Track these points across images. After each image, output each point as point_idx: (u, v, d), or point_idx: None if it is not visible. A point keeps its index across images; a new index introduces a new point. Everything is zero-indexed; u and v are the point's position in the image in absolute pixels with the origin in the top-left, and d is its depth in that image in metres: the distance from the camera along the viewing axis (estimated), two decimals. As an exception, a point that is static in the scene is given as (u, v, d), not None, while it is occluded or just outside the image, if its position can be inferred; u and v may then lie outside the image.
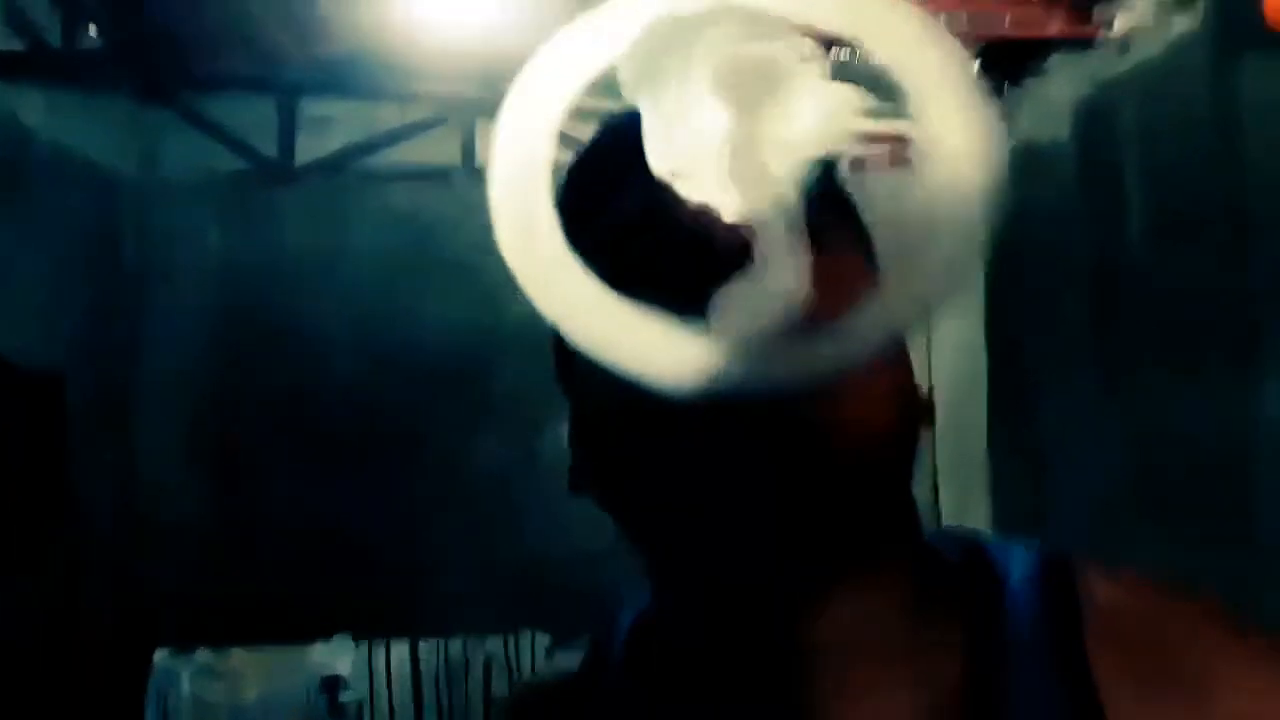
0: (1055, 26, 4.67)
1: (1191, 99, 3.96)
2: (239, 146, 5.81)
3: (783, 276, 0.65)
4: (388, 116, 6.01)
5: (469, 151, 6.11)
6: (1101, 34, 4.60)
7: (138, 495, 5.48)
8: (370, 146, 5.99)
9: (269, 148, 5.89)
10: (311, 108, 5.98)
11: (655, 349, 0.66)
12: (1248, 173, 3.67)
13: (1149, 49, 4.32)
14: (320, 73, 5.54)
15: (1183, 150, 4.10)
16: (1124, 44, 4.53)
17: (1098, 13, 4.57)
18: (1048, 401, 4.90)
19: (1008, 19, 4.67)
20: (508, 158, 0.73)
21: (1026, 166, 4.81)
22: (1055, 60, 5.04)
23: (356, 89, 5.77)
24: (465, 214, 5.99)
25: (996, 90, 5.07)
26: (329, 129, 5.99)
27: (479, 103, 5.76)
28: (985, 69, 4.68)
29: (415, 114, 5.98)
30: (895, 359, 0.77)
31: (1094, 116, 4.80)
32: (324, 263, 5.68)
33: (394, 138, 6.00)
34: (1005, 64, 4.99)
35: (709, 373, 0.65)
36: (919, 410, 0.82)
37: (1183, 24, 4.05)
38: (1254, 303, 3.65)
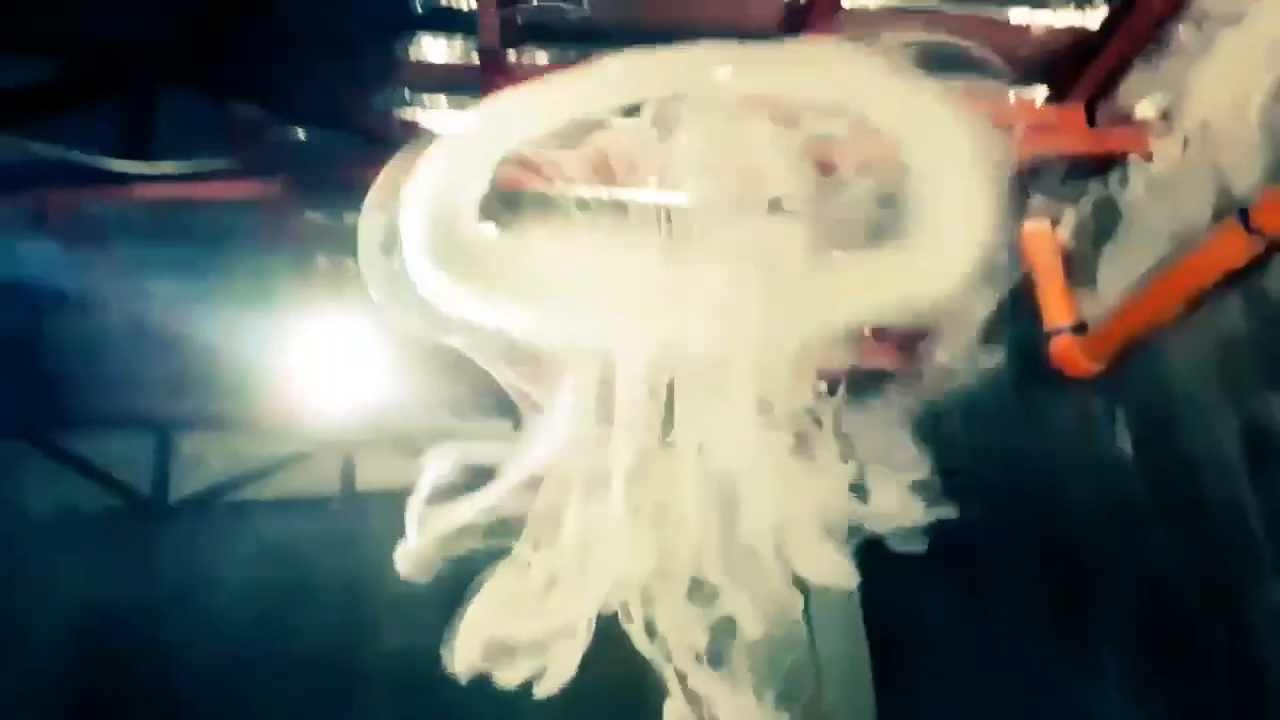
0: (886, 360, 5.14)
1: (1005, 418, 4.45)
2: (111, 484, 5.83)
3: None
4: (265, 449, 6.12)
5: (348, 480, 6.24)
6: (925, 366, 5.09)
7: None
8: (246, 479, 6.07)
9: (144, 484, 5.93)
10: (189, 443, 6.08)
11: None
12: (1054, 473, 4.17)
13: (966, 378, 4.78)
14: (198, 410, 5.68)
15: (1002, 457, 4.58)
16: (947, 373, 5.00)
17: (920, 348, 5.07)
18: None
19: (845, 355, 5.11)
20: None
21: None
22: (891, 385, 5.53)
23: (234, 424, 5.90)
24: (341, 543, 6.09)
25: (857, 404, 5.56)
26: (206, 463, 6.07)
27: (357, 433, 5.95)
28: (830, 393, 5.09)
29: (292, 446, 6.12)
30: None
31: (936, 421, 5.28)
32: (196, 600, 5.59)
33: (271, 469, 6.10)
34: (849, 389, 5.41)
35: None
36: None
37: (989, 360, 4.52)
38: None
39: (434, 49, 3.21)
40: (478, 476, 2.99)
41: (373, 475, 6.24)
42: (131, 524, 5.87)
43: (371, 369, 5.03)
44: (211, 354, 5.05)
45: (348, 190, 3.52)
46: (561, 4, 3.09)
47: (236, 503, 6.03)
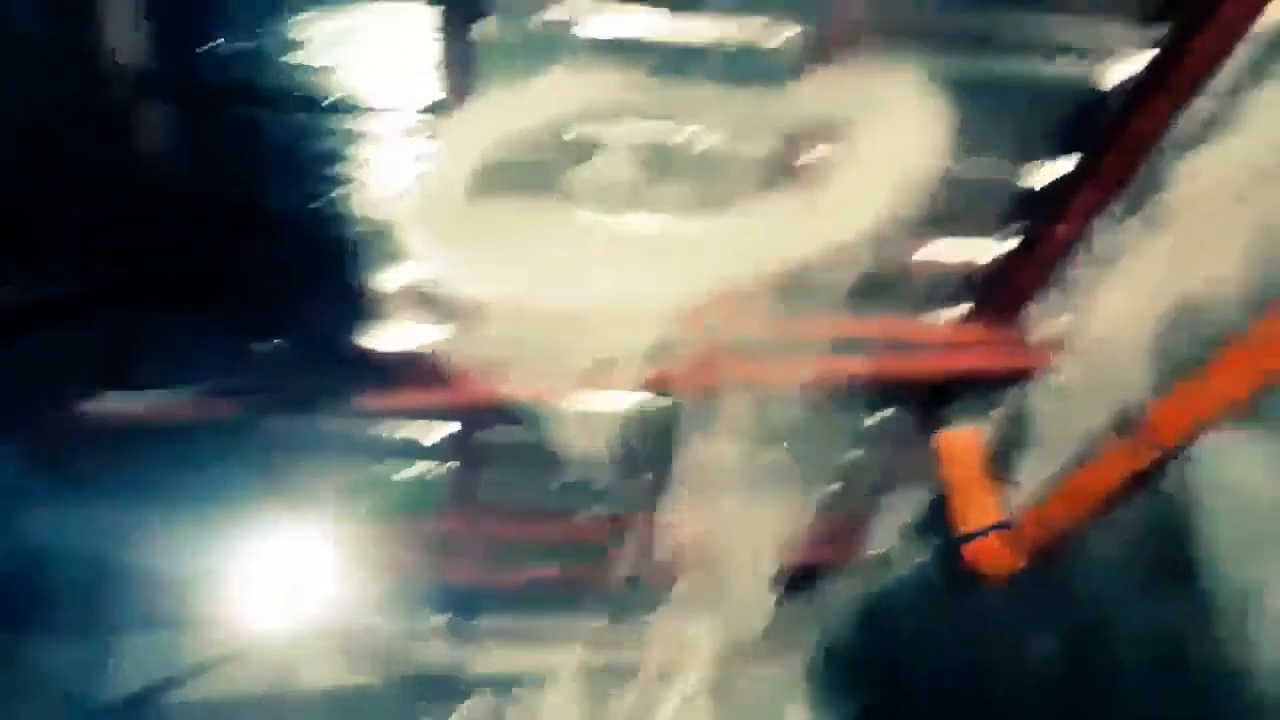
0: (820, 555, 5.39)
1: (934, 606, 4.70)
2: (49, 686, 5.70)
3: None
4: (200, 648, 6.05)
5: (282, 679, 6.16)
6: (865, 555, 5.36)
7: None
8: (181, 679, 5.95)
9: (80, 685, 5.81)
10: (126, 643, 5.99)
11: None
12: (983, 660, 4.35)
13: (901, 568, 5.03)
14: (137, 610, 5.63)
15: (933, 647, 4.81)
16: (884, 562, 5.25)
17: (859, 538, 5.32)
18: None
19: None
20: None
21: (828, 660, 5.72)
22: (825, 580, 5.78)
23: (171, 623, 5.84)
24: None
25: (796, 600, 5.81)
26: (142, 663, 5.97)
27: (291, 632, 5.92)
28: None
29: (227, 645, 6.04)
30: None
31: (871, 616, 5.48)
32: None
33: (205, 669, 6.00)
34: (799, 581, 5.67)
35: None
36: None
37: (920, 552, 4.78)
38: None
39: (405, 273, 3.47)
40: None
41: (307, 675, 6.20)
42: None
43: (308, 571, 5.11)
44: (151, 554, 5.08)
45: (314, 402, 3.72)
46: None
47: (172, 703, 5.94)
